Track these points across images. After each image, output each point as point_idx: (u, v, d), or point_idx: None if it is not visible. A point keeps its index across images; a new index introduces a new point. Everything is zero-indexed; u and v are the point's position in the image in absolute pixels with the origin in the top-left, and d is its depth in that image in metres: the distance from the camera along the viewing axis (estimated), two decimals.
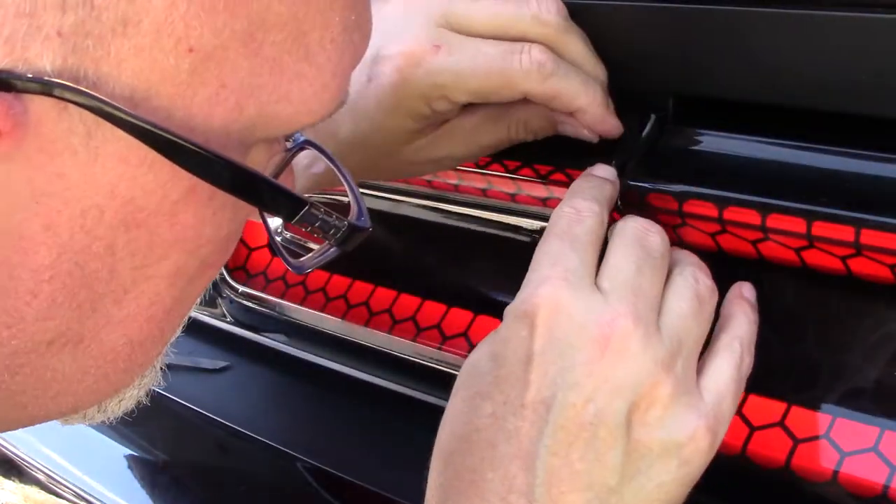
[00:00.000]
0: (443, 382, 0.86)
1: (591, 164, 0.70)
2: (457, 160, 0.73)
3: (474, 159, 0.74)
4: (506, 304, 0.80)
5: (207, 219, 0.45)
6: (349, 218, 0.51)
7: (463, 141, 0.71)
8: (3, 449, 1.08)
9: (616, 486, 0.53)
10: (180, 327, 0.53)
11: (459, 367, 0.79)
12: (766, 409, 0.65)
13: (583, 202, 0.59)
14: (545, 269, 0.56)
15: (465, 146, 0.71)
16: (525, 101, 0.68)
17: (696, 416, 0.54)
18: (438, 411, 0.87)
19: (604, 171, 0.64)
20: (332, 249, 0.52)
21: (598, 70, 0.67)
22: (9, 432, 1.07)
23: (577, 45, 0.66)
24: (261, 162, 0.47)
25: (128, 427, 0.94)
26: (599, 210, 0.58)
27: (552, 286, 0.55)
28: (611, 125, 0.68)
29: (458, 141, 0.71)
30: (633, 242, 0.57)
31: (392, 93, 0.66)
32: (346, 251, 0.52)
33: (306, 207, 0.47)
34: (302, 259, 0.55)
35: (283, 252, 0.54)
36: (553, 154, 0.74)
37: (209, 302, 1.07)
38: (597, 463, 0.53)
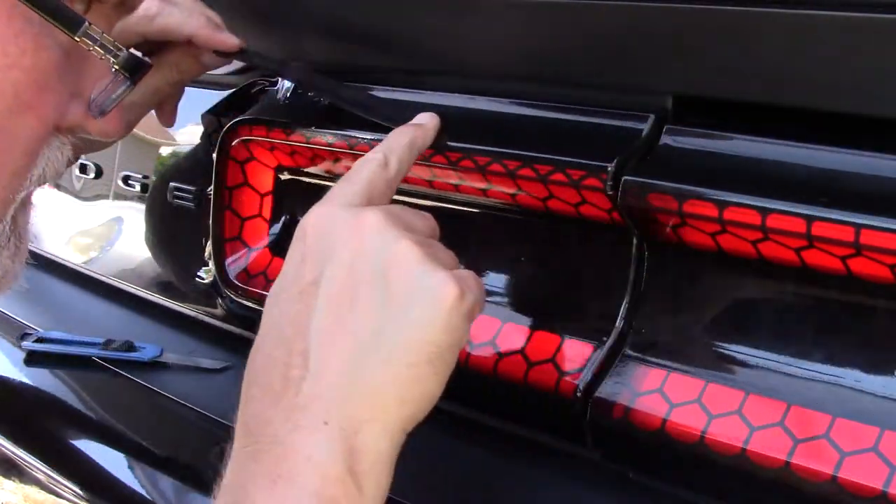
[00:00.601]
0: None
1: (591, 163, 0.71)
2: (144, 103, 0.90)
3: (154, 105, 0.91)
4: (507, 303, 0.80)
5: (9, 38, 0.58)
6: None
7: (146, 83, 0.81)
8: (3, 449, 1.08)
9: (379, 328, 0.61)
10: (15, 191, 0.66)
11: (461, 366, 0.79)
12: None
13: (372, 154, 0.69)
14: (321, 201, 0.68)
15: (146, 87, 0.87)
16: (173, 45, 0.88)
17: (439, 268, 0.63)
18: (438, 411, 0.87)
19: (419, 119, 0.75)
20: (121, 81, 0.67)
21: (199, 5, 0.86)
22: (8, 432, 1.07)
23: None
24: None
25: (128, 427, 0.94)
26: (382, 157, 0.69)
27: (319, 206, 0.67)
28: (221, 41, 0.86)
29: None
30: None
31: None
32: (133, 83, 0.67)
33: (85, 24, 0.62)
34: (95, 96, 0.67)
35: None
36: (553, 154, 0.74)
37: (209, 302, 1.07)
38: (361, 314, 0.62)
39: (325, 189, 0.80)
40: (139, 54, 0.67)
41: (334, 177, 0.94)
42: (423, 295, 0.61)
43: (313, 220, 0.66)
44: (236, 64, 1.03)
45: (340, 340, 0.62)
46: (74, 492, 0.92)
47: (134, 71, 0.67)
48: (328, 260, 0.64)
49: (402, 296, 0.62)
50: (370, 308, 0.62)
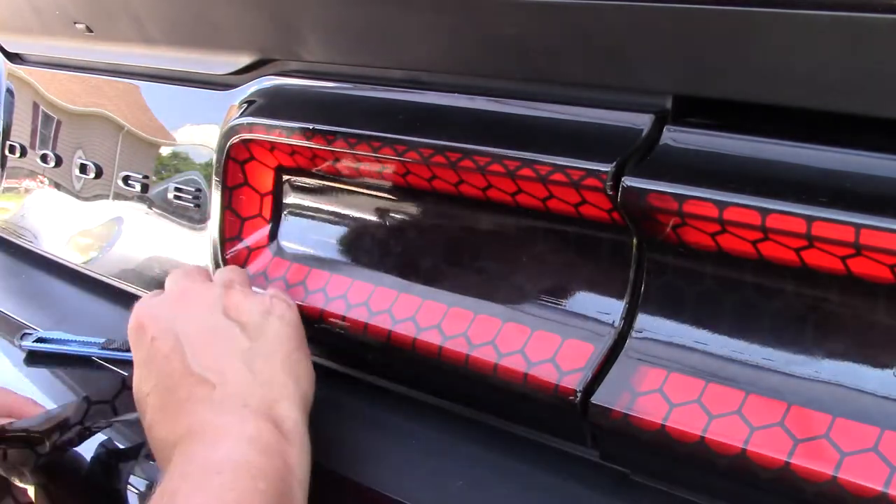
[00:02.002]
0: (443, 382, 0.86)
1: (591, 163, 0.71)
2: None
3: None
4: (507, 304, 0.80)
5: None
6: None
7: None
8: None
9: (249, 344, 0.81)
10: None
11: (460, 366, 0.80)
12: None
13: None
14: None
15: None
16: None
17: (261, 295, 0.87)
18: (439, 411, 0.87)
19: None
20: None
21: None
22: None
23: None
24: None
25: (128, 427, 0.94)
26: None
27: (138, 305, 0.86)
28: None
29: None
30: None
31: None
32: None
33: None
34: None
35: None
36: (553, 154, 0.74)
37: None
38: (229, 340, 0.81)
39: (325, 189, 0.80)
40: None
41: (334, 177, 0.94)
42: (267, 314, 0.83)
43: (143, 312, 0.84)
44: (236, 64, 1.03)
45: (224, 358, 0.79)
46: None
47: None
48: (174, 325, 0.81)
49: (252, 322, 0.82)
50: (232, 334, 0.81)
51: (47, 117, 1.37)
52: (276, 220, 1.00)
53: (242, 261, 0.99)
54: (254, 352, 0.80)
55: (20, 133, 1.44)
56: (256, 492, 0.69)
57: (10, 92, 1.46)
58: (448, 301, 0.83)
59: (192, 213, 1.10)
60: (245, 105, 0.99)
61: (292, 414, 0.77)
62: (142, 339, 0.82)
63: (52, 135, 1.36)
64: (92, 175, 1.27)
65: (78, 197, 1.31)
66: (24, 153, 1.44)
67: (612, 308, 0.74)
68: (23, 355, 1.12)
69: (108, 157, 1.25)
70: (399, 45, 0.86)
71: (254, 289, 0.91)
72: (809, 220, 0.61)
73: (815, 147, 0.65)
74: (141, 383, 0.81)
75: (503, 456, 0.81)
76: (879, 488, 0.59)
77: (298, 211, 0.99)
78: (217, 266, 1.01)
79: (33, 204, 1.43)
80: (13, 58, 1.42)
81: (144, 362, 0.81)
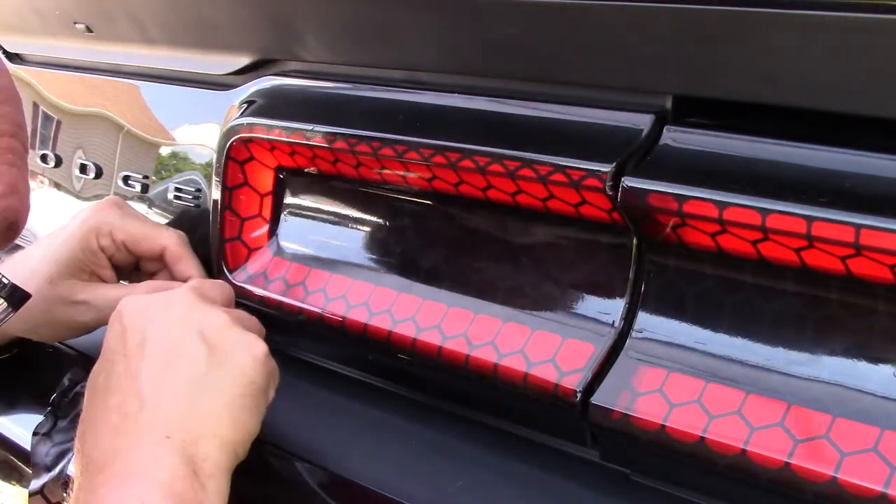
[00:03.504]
0: (443, 382, 0.86)
1: (591, 164, 0.71)
2: (98, 309, 0.98)
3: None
4: (507, 304, 0.80)
5: None
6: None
7: (100, 292, 0.98)
8: (4, 451, 1.08)
9: (207, 370, 0.77)
10: None
11: (460, 366, 0.79)
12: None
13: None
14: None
15: (104, 296, 0.98)
16: (146, 282, 1.00)
17: (248, 331, 0.81)
18: (439, 412, 0.87)
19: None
20: (3, 305, 0.78)
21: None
22: (8, 433, 1.07)
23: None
24: None
25: None
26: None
27: (128, 298, 0.83)
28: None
29: (101, 291, 0.98)
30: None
31: (78, 224, 0.99)
32: (14, 310, 0.79)
33: None
34: None
35: None
36: (553, 154, 0.74)
37: None
38: (189, 361, 0.77)
39: (325, 189, 0.80)
40: (21, 287, 0.80)
41: (334, 177, 0.94)
42: (242, 347, 0.79)
43: (128, 304, 0.82)
44: (236, 64, 1.03)
45: (171, 379, 0.76)
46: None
47: (17, 302, 0.80)
48: (148, 327, 0.79)
49: (223, 348, 0.78)
50: (196, 357, 0.77)
51: (47, 117, 1.37)
52: (275, 220, 1.00)
53: (242, 261, 0.99)
54: (206, 381, 0.77)
55: None
56: None
57: None
58: (448, 301, 0.83)
59: (192, 214, 1.10)
60: (245, 105, 0.99)
61: (215, 454, 0.74)
62: (115, 328, 0.81)
63: (52, 135, 1.36)
64: (92, 175, 1.27)
65: (78, 197, 1.31)
66: None
67: (612, 308, 0.74)
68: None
69: (109, 157, 1.25)
70: (399, 45, 0.86)
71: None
72: (809, 220, 0.61)
73: (815, 147, 0.65)
74: (95, 373, 0.80)
75: (503, 456, 0.81)
76: (879, 488, 0.59)
77: (298, 211, 0.99)
78: (217, 266, 1.01)
79: (33, 204, 1.42)
80: (13, 58, 1.42)
81: (106, 352, 0.80)
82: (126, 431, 0.74)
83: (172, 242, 1.00)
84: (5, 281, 0.78)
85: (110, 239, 0.99)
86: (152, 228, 1.01)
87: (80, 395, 0.90)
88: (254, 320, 0.85)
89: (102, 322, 0.95)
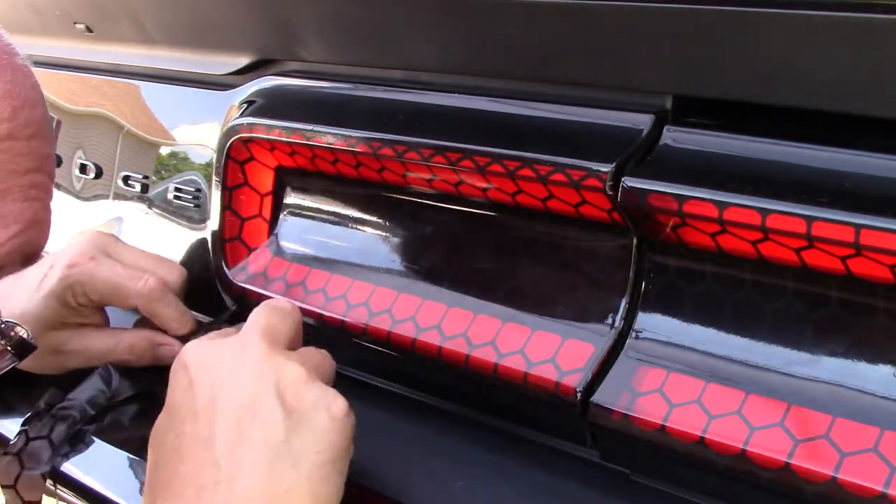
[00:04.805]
0: (443, 382, 0.86)
1: (591, 164, 0.71)
2: (85, 358, 0.99)
3: (99, 362, 0.98)
4: (507, 304, 0.80)
5: None
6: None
7: (87, 341, 0.99)
8: None
9: (286, 438, 0.69)
10: None
11: (459, 366, 0.79)
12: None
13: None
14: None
15: (89, 347, 0.99)
16: (135, 328, 1.00)
17: (326, 387, 0.73)
18: (439, 412, 0.87)
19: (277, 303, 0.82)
20: (9, 357, 0.78)
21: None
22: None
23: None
24: None
25: (129, 428, 0.94)
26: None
27: (193, 343, 0.77)
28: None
29: (88, 340, 0.99)
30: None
31: (56, 282, 0.95)
32: (19, 361, 0.79)
33: None
34: None
35: None
36: (553, 154, 0.74)
37: (209, 301, 1.07)
38: (264, 426, 0.70)
39: (325, 189, 0.80)
40: (29, 337, 0.80)
41: (334, 177, 0.94)
42: (320, 407, 0.71)
43: (193, 354, 0.75)
44: (236, 64, 1.03)
45: (248, 449, 0.69)
46: (74, 495, 0.92)
47: (22, 354, 0.80)
48: (219, 383, 0.72)
49: (300, 410, 0.71)
50: (272, 421, 0.70)
51: None
52: (275, 221, 1.00)
53: (242, 261, 0.99)
54: (285, 449, 0.69)
55: None
56: None
57: None
58: (448, 301, 0.83)
59: (192, 214, 1.10)
60: (245, 105, 0.99)
61: None
62: (180, 380, 0.74)
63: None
64: (92, 175, 1.27)
65: (78, 197, 1.31)
66: None
67: (612, 308, 0.74)
68: None
69: (108, 157, 1.25)
70: (399, 45, 0.86)
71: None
72: (809, 220, 0.61)
73: (815, 147, 0.65)
74: (162, 430, 0.74)
75: (503, 456, 0.81)
76: (879, 488, 0.59)
77: (298, 211, 0.99)
78: (217, 266, 1.01)
79: None
80: None
81: (172, 407, 0.73)
82: None
83: (143, 300, 0.96)
84: (14, 333, 0.78)
85: (86, 298, 0.97)
86: (125, 283, 0.96)
87: (56, 418, 0.92)
88: (325, 357, 0.78)
89: (93, 364, 0.97)
